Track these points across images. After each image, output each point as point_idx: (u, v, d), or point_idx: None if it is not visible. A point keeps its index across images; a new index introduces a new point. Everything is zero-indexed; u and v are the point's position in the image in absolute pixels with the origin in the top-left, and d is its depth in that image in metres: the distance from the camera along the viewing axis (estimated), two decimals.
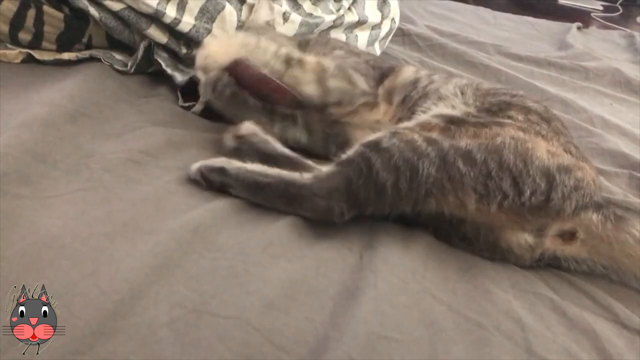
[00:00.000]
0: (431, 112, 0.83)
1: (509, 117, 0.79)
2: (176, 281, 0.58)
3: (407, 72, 0.97)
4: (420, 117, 0.83)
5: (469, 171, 0.71)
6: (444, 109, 0.84)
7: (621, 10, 2.88)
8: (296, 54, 0.89)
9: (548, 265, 0.77)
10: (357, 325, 0.57)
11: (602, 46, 2.05)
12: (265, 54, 0.87)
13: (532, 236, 0.75)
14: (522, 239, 0.75)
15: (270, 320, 0.56)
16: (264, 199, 0.74)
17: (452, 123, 0.78)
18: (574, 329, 0.66)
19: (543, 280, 0.75)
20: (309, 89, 0.86)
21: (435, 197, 0.72)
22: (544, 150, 0.74)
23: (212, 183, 0.74)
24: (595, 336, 0.65)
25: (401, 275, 0.67)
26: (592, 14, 2.77)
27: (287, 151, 0.81)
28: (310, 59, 0.89)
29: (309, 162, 0.79)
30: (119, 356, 0.50)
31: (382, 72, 0.97)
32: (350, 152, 0.75)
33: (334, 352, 0.54)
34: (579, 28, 2.20)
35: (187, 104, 0.99)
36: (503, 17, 2.28)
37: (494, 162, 0.72)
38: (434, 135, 0.75)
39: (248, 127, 0.83)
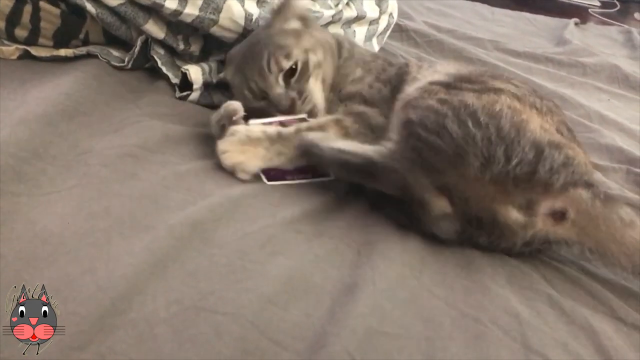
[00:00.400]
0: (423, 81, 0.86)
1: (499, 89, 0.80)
2: (174, 277, 0.58)
3: (413, 71, 0.97)
4: (417, 84, 0.85)
5: (477, 132, 0.71)
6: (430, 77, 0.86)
7: (619, 6, 2.88)
8: (314, 122, 0.86)
9: (538, 250, 0.77)
10: (355, 321, 0.57)
11: (600, 42, 2.05)
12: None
13: (522, 214, 0.73)
14: (513, 214, 0.73)
15: (268, 316, 0.56)
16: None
17: (448, 87, 0.79)
18: (572, 324, 0.66)
19: (541, 275, 0.75)
20: None
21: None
22: (537, 125, 0.74)
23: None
24: (592, 331, 0.65)
25: (399, 271, 0.67)
26: (589, 10, 2.77)
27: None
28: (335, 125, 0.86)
29: None
30: (117, 352, 0.50)
31: (393, 86, 0.94)
32: (394, 136, 0.77)
33: (332, 347, 0.54)
34: (576, 24, 2.21)
35: (184, 94, 0.99)
36: (501, 13, 2.28)
37: (493, 127, 0.71)
38: (442, 95, 0.77)
39: None
